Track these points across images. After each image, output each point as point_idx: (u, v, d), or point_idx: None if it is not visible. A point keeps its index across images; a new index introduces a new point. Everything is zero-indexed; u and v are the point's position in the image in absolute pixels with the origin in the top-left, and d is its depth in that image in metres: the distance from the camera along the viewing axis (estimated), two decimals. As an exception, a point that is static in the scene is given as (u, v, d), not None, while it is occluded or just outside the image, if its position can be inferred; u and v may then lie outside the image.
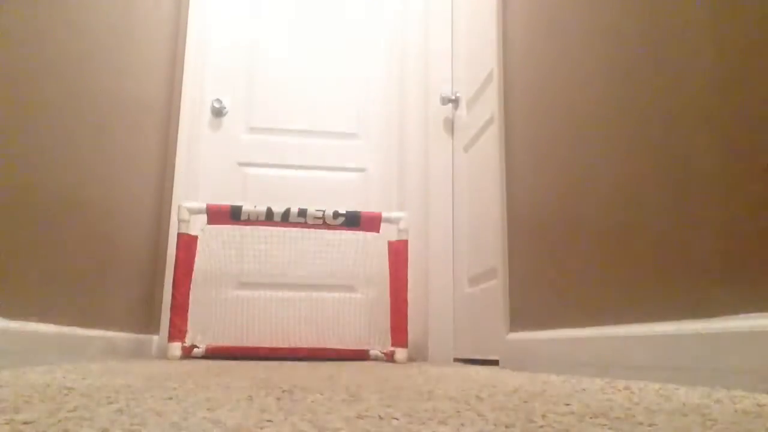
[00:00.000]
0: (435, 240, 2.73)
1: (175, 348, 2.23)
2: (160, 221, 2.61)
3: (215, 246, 2.69)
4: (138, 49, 2.19)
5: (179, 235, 2.34)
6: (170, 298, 2.49)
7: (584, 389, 0.87)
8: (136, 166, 2.22)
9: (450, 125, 2.85)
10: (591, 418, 0.55)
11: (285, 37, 2.97)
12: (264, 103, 2.89)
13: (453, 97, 2.78)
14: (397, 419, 0.52)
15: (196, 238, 2.38)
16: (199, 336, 2.54)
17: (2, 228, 1.29)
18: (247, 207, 2.34)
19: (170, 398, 0.67)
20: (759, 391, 0.79)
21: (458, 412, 0.58)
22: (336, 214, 2.36)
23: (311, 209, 2.36)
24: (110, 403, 0.61)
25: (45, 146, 1.47)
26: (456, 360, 2.59)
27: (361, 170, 2.89)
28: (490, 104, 2.27)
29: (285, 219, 2.34)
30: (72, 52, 1.61)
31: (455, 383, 1.00)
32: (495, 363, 2.09)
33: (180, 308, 2.28)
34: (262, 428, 0.46)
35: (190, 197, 2.70)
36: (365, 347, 2.63)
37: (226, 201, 2.76)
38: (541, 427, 0.49)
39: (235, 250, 2.71)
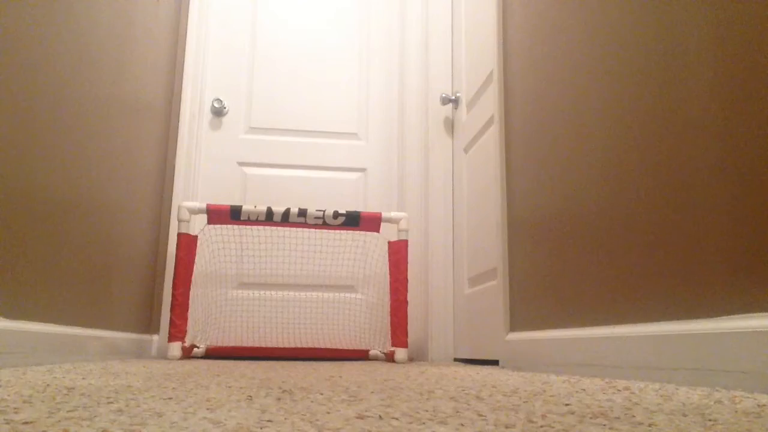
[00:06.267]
0: (435, 240, 2.73)
1: (175, 348, 2.23)
2: (160, 221, 2.61)
3: (215, 246, 2.69)
4: (138, 49, 2.19)
5: (179, 235, 2.34)
6: (170, 298, 2.49)
7: (584, 389, 0.87)
8: (136, 166, 2.22)
9: (450, 125, 2.85)
10: (591, 418, 0.55)
11: (285, 36, 2.97)
12: (264, 103, 2.89)
13: (453, 97, 2.78)
14: (397, 419, 0.52)
15: (196, 238, 2.38)
16: (199, 336, 2.54)
17: (2, 228, 1.29)
18: (247, 207, 2.34)
19: (170, 398, 0.67)
20: (759, 392, 0.79)
21: (458, 412, 0.58)
22: (336, 214, 2.36)
23: (311, 209, 2.36)
24: (110, 403, 0.61)
25: (45, 146, 1.47)
26: (456, 360, 2.59)
27: (361, 170, 2.89)
28: (490, 105, 2.27)
29: (285, 219, 2.34)
30: (72, 51, 1.61)
31: (455, 383, 1.00)
32: (495, 363, 2.09)
33: (180, 308, 2.28)
34: (262, 428, 0.46)
35: (190, 197, 2.70)
36: (365, 347, 2.63)
37: (226, 201, 2.76)
38: (541, 427, 0.49)
39: (235, 250, 2.71)
